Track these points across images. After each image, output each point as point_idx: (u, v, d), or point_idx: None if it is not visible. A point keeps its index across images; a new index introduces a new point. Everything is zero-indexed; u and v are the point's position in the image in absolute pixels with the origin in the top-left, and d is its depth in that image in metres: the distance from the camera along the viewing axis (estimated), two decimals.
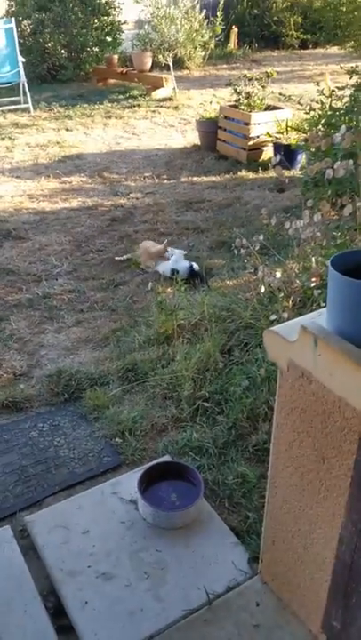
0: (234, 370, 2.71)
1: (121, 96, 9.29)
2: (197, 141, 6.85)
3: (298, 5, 13.38)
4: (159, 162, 6.36)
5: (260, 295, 2.93)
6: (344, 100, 4.24)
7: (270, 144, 6.08)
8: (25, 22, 10.04)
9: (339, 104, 4.24)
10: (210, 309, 3.07)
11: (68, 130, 7.48)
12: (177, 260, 3.89)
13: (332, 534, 1.46)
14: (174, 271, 3.78)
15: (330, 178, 2.23)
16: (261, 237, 2.87)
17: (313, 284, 2.65)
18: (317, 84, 4.68)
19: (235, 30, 12.53)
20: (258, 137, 6.12)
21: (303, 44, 13.51)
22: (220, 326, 2.96)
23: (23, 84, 8.14)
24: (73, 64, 10.21)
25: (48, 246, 4.40)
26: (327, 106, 4.27)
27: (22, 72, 8.13)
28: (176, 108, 8.56)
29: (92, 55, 10.44)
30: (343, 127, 2.35)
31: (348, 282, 1.20)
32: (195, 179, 5.82)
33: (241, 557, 1.95)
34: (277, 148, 5.81)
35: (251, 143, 6.11)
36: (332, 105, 4.25)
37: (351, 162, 2.17)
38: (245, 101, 6.26)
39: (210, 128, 6.55)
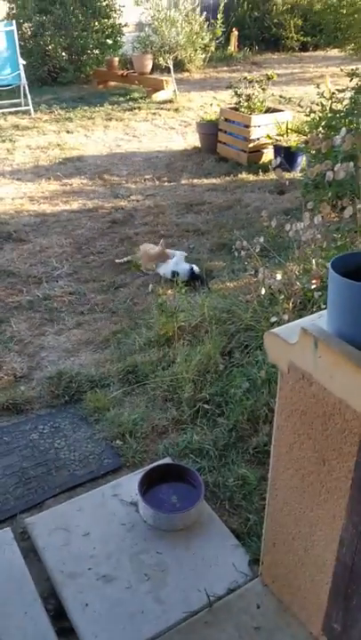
0: (234, 372, 2.71)
1: (121, 98, 9.31)
2: (198, 144, 6.86)
3: (298, 8, 13.41)
4: (160, 164, 6.37)
5: (260, 297, 2.94)
6: (344, 103, 4.24)
7: (271, 146, 6.09)
8: (26, 25, 10.05)
9: (339, 106, 4.25)
10: (210, 311, 3.07)
11: (68, 132, 7.50)
12: (177, 262, 3.89)
13: (333, 536, 1.46)
14: (175, 273, 3.79)
15: (330, 180, 2.24)
16: (262, 239, 2.87)
17: (313, 286, 2.65)
18: (318, 86, 4.68)
19: (235, 33, 12.55)
20: (258, 139, 6.13)
21: (303, 47, 13.53)
22: (220, 328, 2.97)
23: (24, 87, 8.15)
24: (73, 66, 10.23)
25: (48, 248, 4.40)
26: (327, 108, 4.28)
27: (23, 74, 8.15)
28: (176, 110, 8.58)
29: (93, 58, 10.46)
30: (343, 129, 2.35)
31: (349, 284, 1.21)
32: (195, 181, 5.83)
33: (241, 559, 1.95)
34: (278, 150, 5.82)
35: (251, 145, 6.12)
36: (333, 107, 4.26)
37: (351, 164, 2.18)
38: (246, 104, 6.27)
39: (210, 130, 6.56)
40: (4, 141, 7.07)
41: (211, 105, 7.05)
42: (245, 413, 2.49)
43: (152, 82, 9.42)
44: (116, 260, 4.18)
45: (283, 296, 2.71)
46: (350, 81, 4.61)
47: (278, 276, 2.73)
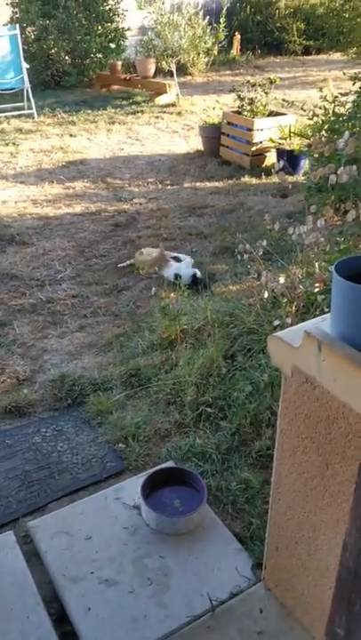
0: (237, 375, 2.71)
1: (124, 102, 9.33)
2: (200, 147, 6.87)
3: (301, 12, 13.44)
4: (162, 167, 6.38)
5: (263, 300, 2.93)
6: (347, 106, 4.25)
7: (273, 150, 6.09)
8: (29, 29, 10.09)
9: (342, 110, 4.25)
10: (213, 315, 3.07)
11: (71, 135, 7.51)
12: (181, 266, 3.89)
13: (337, 541, 1.46)
14: (177, 275, 3.80)
15: (333, 183, 2.24)
16: (265, 243, 2.87)
17: (316, 290, 2.65)
18: (320, 89, 4.69)
19: (238, 37, 12.58)
20: (261, 143, 6.13)
21: (306, 51, 13.56)
22: (223, 331, 2.96)
23: (27, 90, 8.18)
24: (77, 70, 10.26)
25: (51, 251, 4.41)
26: (330, 112, 4.28)
27: (26, 78, 8.18)
28: (179, 113, 8.59)
29: (96, 61, 10.49)
30: (347, 133, 2.36)
31: (352, 287, 1.20)
32: (198, 184, 5.84)
33: (244, 564, 1.94)
34: (280, 153, 5.82)
35: (254, 149, 6.12)
36: (336, 111, 4.26)
37: (355, 167, 2.18)
38: (249, 107, 6.28)
39: (213, 134, 6.57)
40: (7, 145, 7.09)
41: (213, 108, 7.07)
42: (248, 417, 2.49)
43: (155, 85, 9.45)
44: (119, 265, 4.18)
45: (286, 299, 2.71)
46: (353, 84, 4.61)
47: (281, 280, 2.73)
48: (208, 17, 10.94)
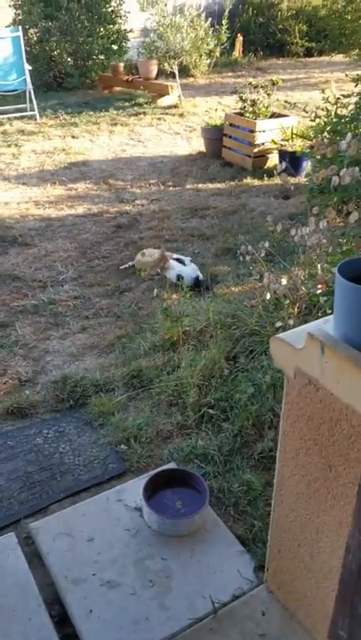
0: (239, 377, 2.71)
1: (126, 103, 9.34)
2: (203, 149, 6.88)
3: (303, 14, 13.46)
4: (164, 169, 6.38)
5: (265, 302, 2.93)
6: (349, 108, 4.25)
7: (276, 151, 6.09)
8: (32, 31, 10.12)
9: (344, 111, 4.25)
10: (215, 316, 3.07)
11: (73, 137, 7.52)
12: (184, 268, 3.89)
13: (339, 543, 1.45)
14: (179, 277, 3.80)
15: (336, 185, 2.23)
16: (267, 244, 2.87)
17: (319, 291, 2.64)
18: (323, 91, 4.69)
19: (240, 38, 12.59)
20: (263, 144, 6.14)
21: (308, 52, 13.57)
22: (225, 333, 2.96)
23: (29, 92, 8.20)
24: (79, 72, 10.28)
25: (54, 253, 4.41)
26: (333, 113, 4.28)
27: (29, 80, 8.19)
28: (181, 115, 8.60)
29: (98, 63, 10.51)
30: (349, 135, 2.35)
31: (356, 289, 1.20)
32: (200, 186, 5.84)
33: (247, 566, 1.94)
34: (283, 155, 5.82)
35: (256, 150, 6.12)
36: (338, 112, 4.26)
37: (357, 169, 2.17)
38: (251, 109, 6.28)
39: (215, 135, 6.58)
40: (9, 146, 7.10)
41: (216, 110, 7.09)
42: (250, 418, 2.48)
43: (157, 87, 9.46)
44: (120, 267, 4.18)
45: (288, 301, 2.71)
46: (355, 86, 4.62)
47: (283, 281, 2.73)
48: (210, 19, 10.95)
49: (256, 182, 5.85)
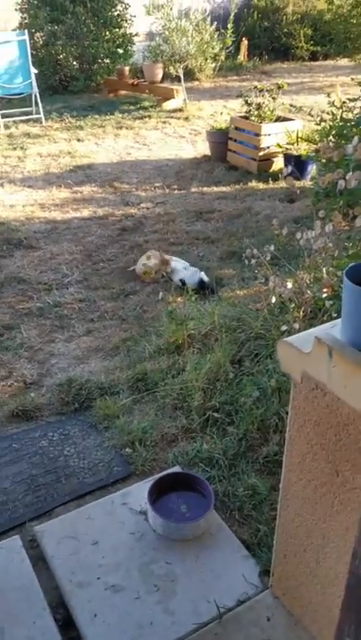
0: (244, 380, 2.70)
1: (132, 107, 9.37)
2: (208, 152, 6.88)
3: (308, 18, 13.48)
4: (170, 172, 6.39)
5: (270, 305, 2.92)
6: (355, 112, 4.24)
7: (281, 155, 6.09)
8: (38, 34, 10.16)
9: (350, 115, 4.24)
10: (220, 319, 3.07)
11: (79, 140, 7.54)
12: (187, 273, 3.89)
13: (346, 549, 1.44)
14: (183, 281, 3.80)
15: (342, 189, 2.23)
16: (272, 248, 2.86)
17: (324, 295, 2.63)
18: (328, 95, 4.68)
19: (245, 42, 12.61)
20: (268, 148, 6.14)
21: (313, 56, 13.58)
22: (230, 336, 2.96)
23: (35, 95, 8.23)
24: (84, 75, 10.32)
25: (59, 255, 4.42)
26: (338, 117, 4.27)
27: (34, 83, 8.23)
28: (186, 118, 8.61)
29: (104, 67, 10.54)
30: (356, 138, 2.35)
31: None
32: (205, 189, 5.84)
33: (252, 571, 1.93)
34: (288, 158, 5.81)
35: (261, 154, 6.13)
36: (343, 116, 4.25)
37: None
38: (256, 112, 6.28)
39: (220, 139, 6.58)
40: (15, 149, 7.13)
41: (221, 113, 7.08)
42: (256, 422, 2.48)
43: (162, 91, 9.48)
44: (128, 270, 4.17)
45: (293, 305, 2.70)
46: None
47: (289, 285, 2.72)
48: (215, 23, 10.97)
49: (261, 186, 5.85)
